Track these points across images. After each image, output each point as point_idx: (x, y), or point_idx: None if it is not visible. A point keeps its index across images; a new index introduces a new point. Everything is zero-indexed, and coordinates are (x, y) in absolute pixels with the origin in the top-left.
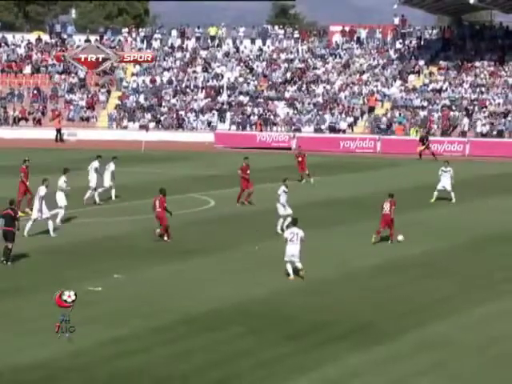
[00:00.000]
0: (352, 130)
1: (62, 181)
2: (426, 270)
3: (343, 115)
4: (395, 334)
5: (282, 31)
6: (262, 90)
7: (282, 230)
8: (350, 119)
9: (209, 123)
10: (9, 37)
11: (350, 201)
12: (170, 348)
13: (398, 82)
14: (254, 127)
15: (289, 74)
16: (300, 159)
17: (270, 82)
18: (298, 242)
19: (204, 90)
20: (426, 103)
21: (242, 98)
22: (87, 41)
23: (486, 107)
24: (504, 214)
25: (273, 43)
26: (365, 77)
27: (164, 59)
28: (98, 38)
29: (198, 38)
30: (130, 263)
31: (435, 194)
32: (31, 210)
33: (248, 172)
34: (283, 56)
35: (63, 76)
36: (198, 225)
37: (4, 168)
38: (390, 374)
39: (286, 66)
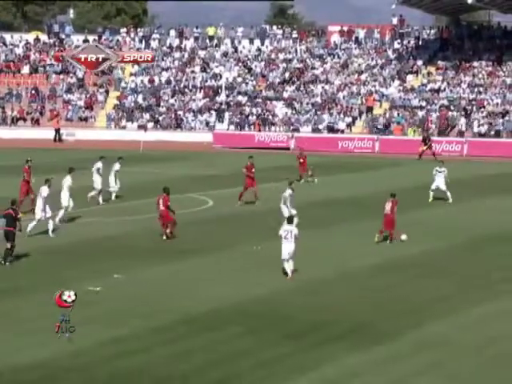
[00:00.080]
0: (350, 129)
1: (69, 181)
2: (425, 269)
3: (341, 115)
4: (394, 333)
5: (280, 31)
6: (261, 90)
7: None
8: (349, 119)
9: (207, 123)
10: (7, 37)
11: (349, 201)
12: (170, 348)
13: (397, 82)
14: (252, 127)
15: (287, 74)
16: (301, 160)
17: (268, 82)
18: (293, 240)
19: (202, 90)
20: (424, 103)
21: (240, 97)
22: (85, 41)
23: (484, 107)
24: (502, 214)
25: (271, 43)
26: (363, 77)
27: (162, 59)
28: (97, 38)
29: (196, 38)
30: (130, 263)
31: (431, 193)
32: (33, 210)
33: (253, 170)
34: (281, 56)
35: (61, 76)
36: (197, 225)
37: (3, 168)
38: (389, 374)
39: (285, 66)
